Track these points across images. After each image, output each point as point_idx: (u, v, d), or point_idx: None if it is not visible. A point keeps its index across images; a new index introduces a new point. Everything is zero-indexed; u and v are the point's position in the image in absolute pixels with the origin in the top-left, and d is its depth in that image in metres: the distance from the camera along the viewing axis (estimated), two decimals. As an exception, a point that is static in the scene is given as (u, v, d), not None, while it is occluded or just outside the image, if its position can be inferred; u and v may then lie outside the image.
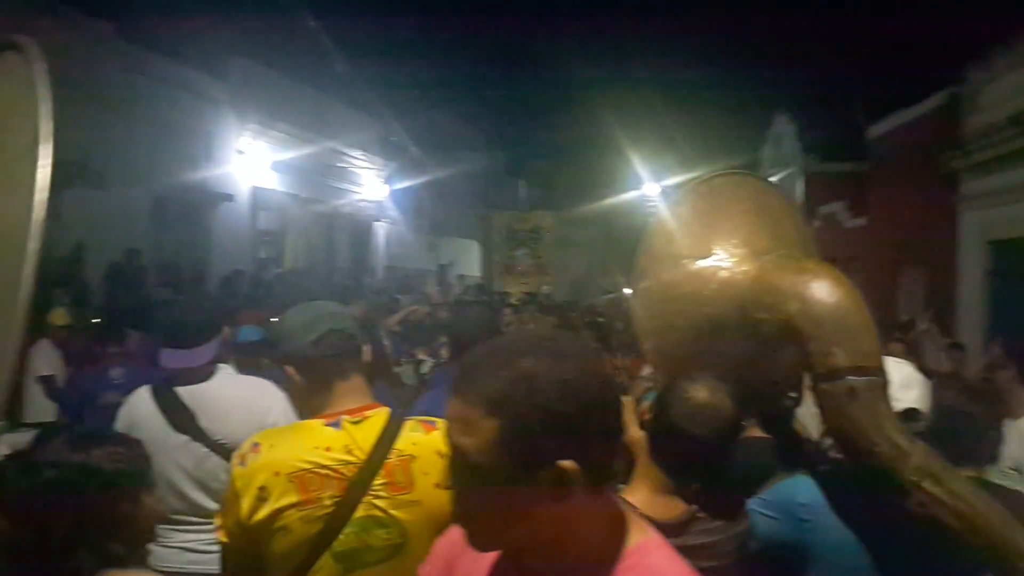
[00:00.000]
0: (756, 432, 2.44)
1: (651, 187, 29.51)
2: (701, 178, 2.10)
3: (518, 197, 27.36)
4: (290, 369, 1.97)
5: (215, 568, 1.99)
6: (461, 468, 1.08)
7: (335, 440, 1.84)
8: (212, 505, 2.75)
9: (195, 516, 2.81)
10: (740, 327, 1.94)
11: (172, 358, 2.91)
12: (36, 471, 1.53)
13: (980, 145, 10.52)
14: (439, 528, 1.84)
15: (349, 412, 1.89)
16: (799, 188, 19.73)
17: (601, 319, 7.89)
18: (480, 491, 1.07)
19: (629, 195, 30.24)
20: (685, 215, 2.05)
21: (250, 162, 14.49)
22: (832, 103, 18.55)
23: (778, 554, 1.91)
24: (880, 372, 1.75)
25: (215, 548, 1.99)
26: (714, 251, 1.98)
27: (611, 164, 29.59)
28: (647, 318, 2.02)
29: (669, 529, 1.72)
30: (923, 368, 6.39)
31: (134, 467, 1.67)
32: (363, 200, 19.02)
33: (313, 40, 15.32)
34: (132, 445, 1.75)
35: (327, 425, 1.87)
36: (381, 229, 20.64)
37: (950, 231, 11.55)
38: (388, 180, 20.12)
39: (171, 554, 2.78)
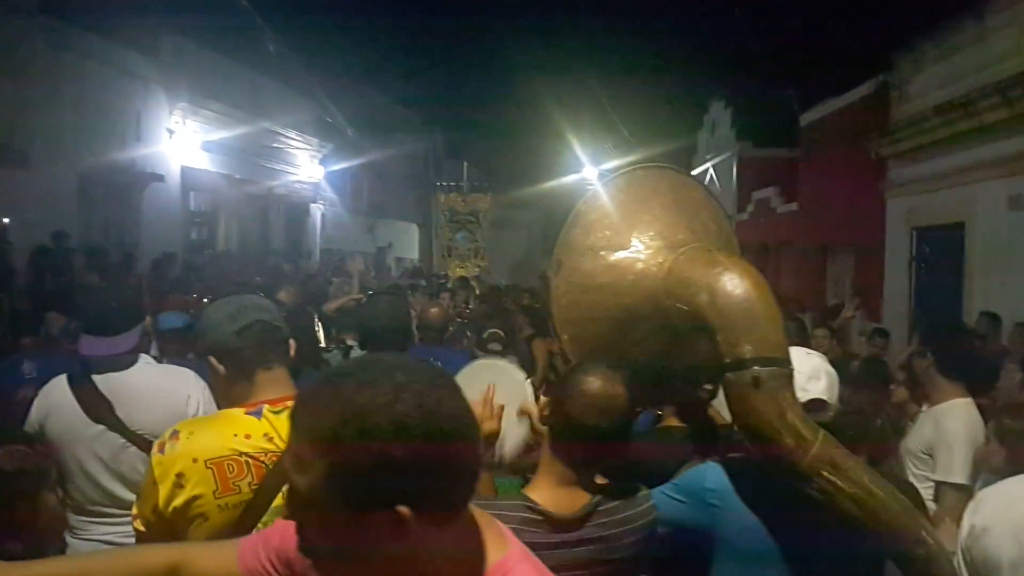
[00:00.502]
0: (673, 421, 2.50)
1: (590, 171, 29.75)
2: (620, 170, 2.13)
3: (457, 179, 27.25)
4: (213, 360, 1.95)
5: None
6: (297, 503, 1.02)
7: (255, 428, 1.84)
8: (130, 496, 2.68)
9: (114, 508, 2.77)
10: (655, 318, 1.98)
11: (92, 345, 2.86)
12: None
13: (907, 133, 10.76)
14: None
15: (271, 401, 1.89)
16: (733, 173, 20.14)
17: (537, 304, 7.94)
18: (315, 530, 1.01)
19: (568, 178, 30.44)
20: (603, 207, 2.08)
21: (181, 142, 14.11)
22: (766, 90, 18.87)
23: (686, 538, 1.97)
24: (785, 363, 1.81)
25: (132, 539, 1.98)
26: (631, 243, 2.02)
27: (551, 147, 29.68)
28: (565, 308, 2.04)
29: (569, 523, 1.76)
30: (847, 353, 6.60)
31: (34, 467, 1.64)
32: (299, 181, 18.72)
33: (246, 17, 14.93)
34: (33, 444, 1.71)
35: (248, 414, 1.87)
36: (318, 211, 20.35)
37: (878, 217, 11.84)
38: (324, 161, 19.83)
39: (90, 547, 2.72)
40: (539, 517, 1.77)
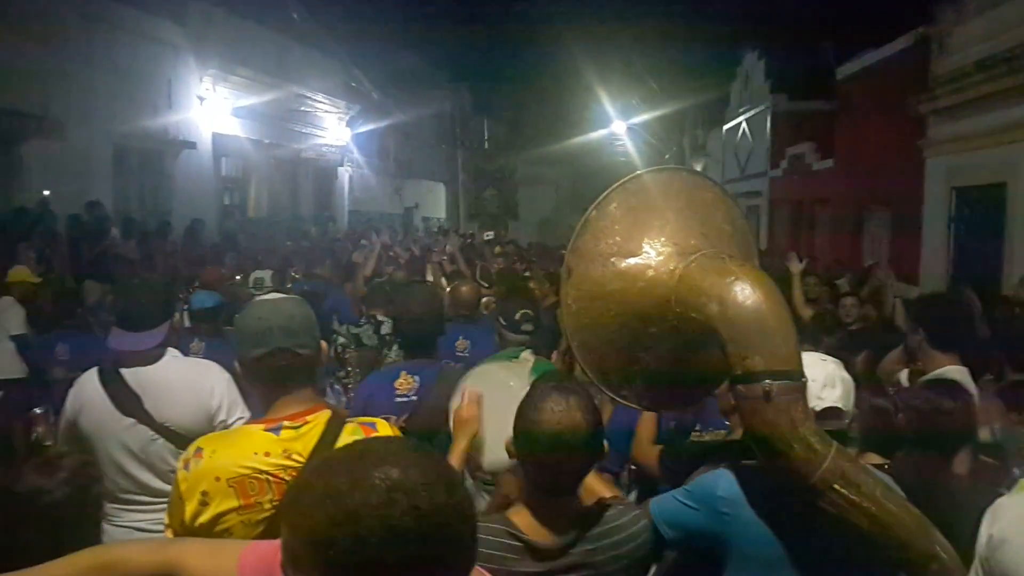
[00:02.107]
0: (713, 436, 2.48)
1: (619, 125, 29.38)
2: (631, 175, 2.10)
3: (484, 137, 27.08)
4: (239, 368, 2.01)
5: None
6: None
7: (274, 445, 1.88)
8: (160, 485, 2.81)
9: (145, 496, 2.86)
10: (666, 326, 1.97)
11: (121, 340, 2.94)
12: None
13: (948, 89, 10.41)
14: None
15: (290, 417, 1.92)
16: (767, 127, 19.71)
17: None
18: None
19: (597, 133, 30.09)
20: (614, 213, 2.06)
21: (211, 108, 14.20)
22: (802, 41, 18.33)
23: (698, 543, 1.99)
24: (797, 375, 1.79)
25: (163, 527, 2.05)
26: (642, 250, 2.00)
27: (578, 102, 29.34)
28: (575, 315, 2.04)
29: (553, 552, 1.78)
30: (882, 319, 6.42)
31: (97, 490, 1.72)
32: (326, 145, 18.76)
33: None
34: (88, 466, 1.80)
35: (267, 430, 1.91)
36: (345, 173, 20.41)
37: (917, 176, 11.54)
38: (351, 123, 19.81)
39: (122, 533, 2.82)
40: (521, 545, 1.78)
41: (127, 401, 2.82)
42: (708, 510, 1.94)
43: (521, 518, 1.82)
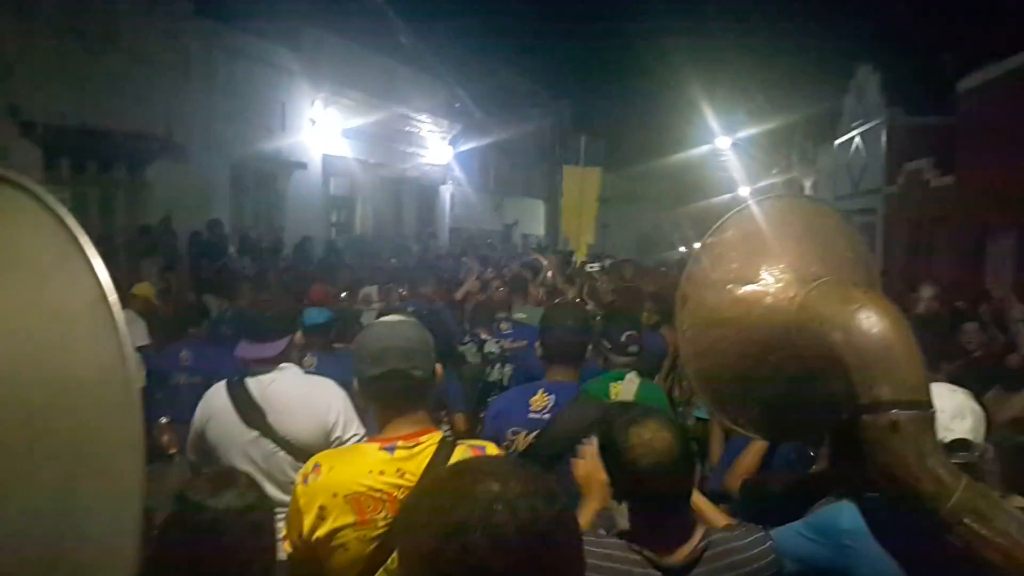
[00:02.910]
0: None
1: (723, 140, 28.85)
2: (747, 202, 2.07)
3: (585, 153, 27.05)
4: (355, 382, 2.07)
5: (283, 555, 2.09)
6: None
7: (388, 464, 1.94)
8: (280, 496, 2.90)
9: (266, 507, 2.98)
10: (785, 354, 1.93)
11: (248, 350, 3.10)
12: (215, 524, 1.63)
13: (1078, 101, 9.86)
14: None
15: (404, 438, 1.98)
16: (883, 142, 18.98)
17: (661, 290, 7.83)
18: None
19: (700, 149, 29.61)
20: (731, 239, 2.03)
21: (322, 130, 14.77)
22: (920, 53, 17.58)
23: None
24: (926, 405, 1.72)
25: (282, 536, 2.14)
26: (760, 276, 1.96)
27: (681, 117, 29.00)
28: (690, 342, 2.02)
29: (677, 570, 1.76)
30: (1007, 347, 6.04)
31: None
32: (429, 164, 19.18)
33: (379, 7, 15.37)
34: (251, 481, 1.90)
35: (382, 449, 1.97)
36: (447, 191, 20.80)
37: (1045, 193, 10.94)
38: (453, 142, 20.20)
39: (244, 542, 2.96)
40: (646, 560, 1.78)
41: (252, 414, 2.96)
42: (831, 543, 1.89)
43: (643, 540, 1.82)
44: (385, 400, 2.02)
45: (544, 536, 0.99)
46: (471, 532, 0.98)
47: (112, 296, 0.93)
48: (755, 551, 1.87)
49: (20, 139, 9.04)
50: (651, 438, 1.78)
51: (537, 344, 3.23)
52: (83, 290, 0.93)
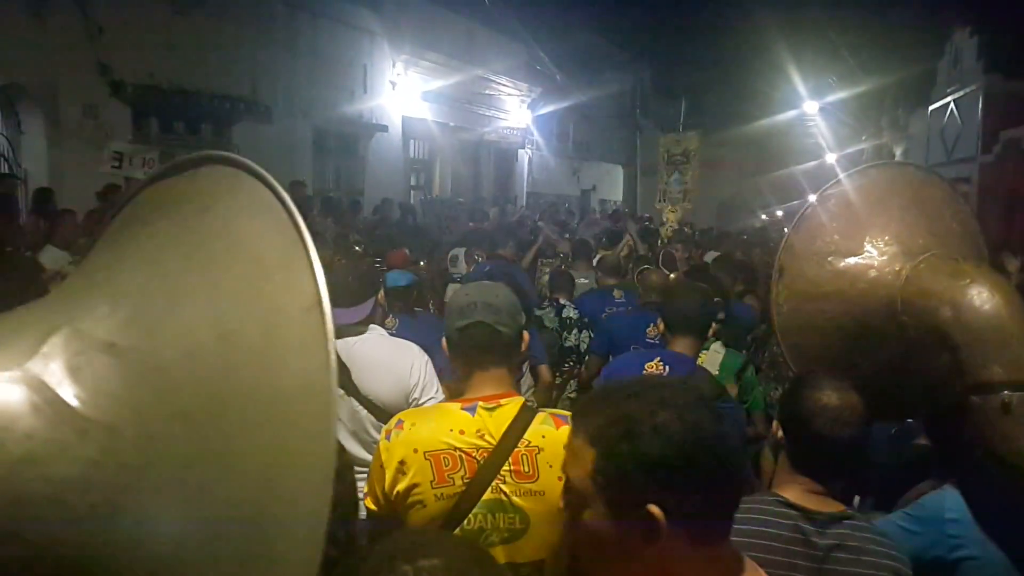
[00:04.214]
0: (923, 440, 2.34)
1: (810, 105, 27.83)
2: (852, 170, 2.00)
3: (667, 118, 26.51)
4: (444, 344, 2.10)
5: (363, 512, 2.13)
6: (568, 495, 1.18)
7: (469, 424, 1.96)
8: (363, 454, 2.99)
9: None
10: (888, 331, 1.87)
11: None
12: None
13: None
14: (559, 520, 1.95)
15: (485, 399, 1.99)
16: (979, 109, 18.07)
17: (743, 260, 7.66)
18: (582, 522, 1.15)
19: (786, 114, 28.65)
20: (832, 209, 1.97)
21: (402, 92, 14.85)
22: (1019, 17, 16.57)
23: (919, 571, 1.86)
24: (1039, 386, 1.66)
25: (363, 494, 2.17)
26: (863, 249, 1.90)
27: (767, 81, 28.05)
28: (786, 316, 1.97)
29: (824, 519, 1.71)
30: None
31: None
32: (508, 127, 19.09)
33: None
34: None
35: (463, 409, 1.99)
36: (525, 156, 20.70)
37: None
38: (532, 105, 20.04)
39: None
40: (797, 513, 1.72)
41: (340, 374, 3.04)
42: (934, 534, 1.84)
43: (791, 493, 1.77)
44: (468, 354, 2.03)
45: (706, 443, 1.08)
46: (637, 423, 1.09)
47: (326, 303, 0.88)
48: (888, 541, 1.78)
49: (110, 98, 9.39)
50: (840, 392, 1.73)
51: (659, 321, 3.23)
52: (301, 294, 0.89)
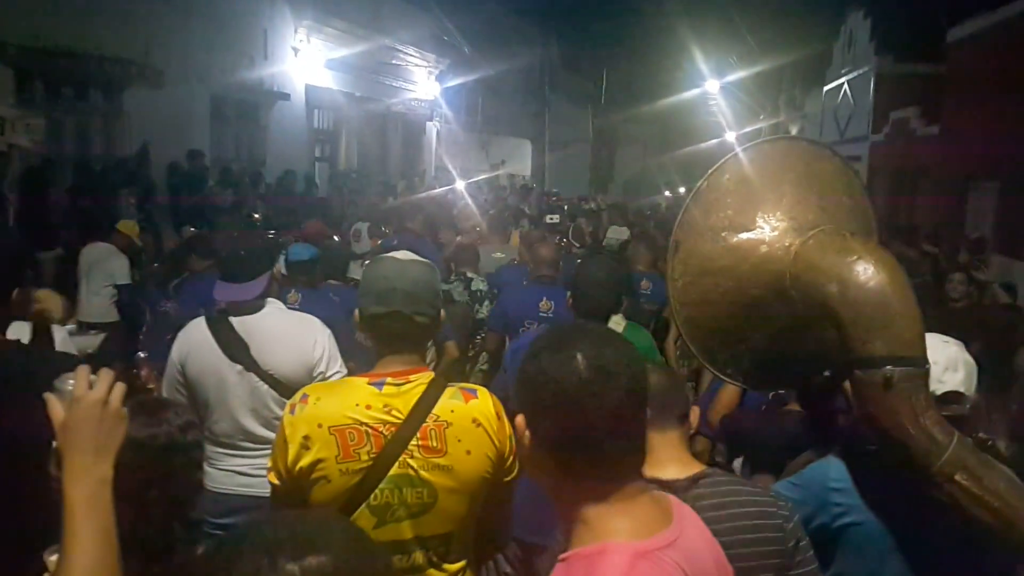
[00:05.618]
0: (794, 407, 2.42)
1: (712, 84, 28.51)
2: (745, 145, 2.01)
3: (573, 93, 26.68)
4: (356, 317, 2.05)
5: (263, 491, 2.10)
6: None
7: (376, 399, 1.92)
8: (262, 432, 2.92)
9: (247, 442, 2.96)
10: (778, 305, 1.90)
11: (225, 291, 3.03)
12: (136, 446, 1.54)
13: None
14: (467, 493, 1.93)
15: (394, 375, 1.96)
16: (871, 90, 18.87)
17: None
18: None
19: (689, 93, 29.27)
20: (726, 184, 1.97)
21: (305, 60, 14.40)
22: (912, 1, 17.35)
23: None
24: (921, 362, 1.70)
25: (263, 472, 2.13)
26: (755, 224, 1.92)
27: (671, 60, 28.60)
28: (681, 291, 1.98)
29: (677, 486, 1.71)
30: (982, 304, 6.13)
31: (198, 435, 1.76)
32: (416, 99, 18.82)
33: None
34: (186, 410, 1.84)
35: (370, 384, 1.95)
36: (433, 129, 20.47)
37: (1028, 147, 10.92)
38: (440, 78, 19.80)
39: (224, 476, 2.95)
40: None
41: (234, 348, 2.91)
42: (818, 501, 1.88)
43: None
44: (383, 339, 2.00)
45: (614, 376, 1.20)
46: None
47: None
48: (770, 499, 1.81)
49: (-11, 60, 8.74)
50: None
51: (568, 296, 3.19)
52: None
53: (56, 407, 1.35)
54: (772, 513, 1.74)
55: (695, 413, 1.87)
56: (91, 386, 1.35)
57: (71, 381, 1.36)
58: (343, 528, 1.09)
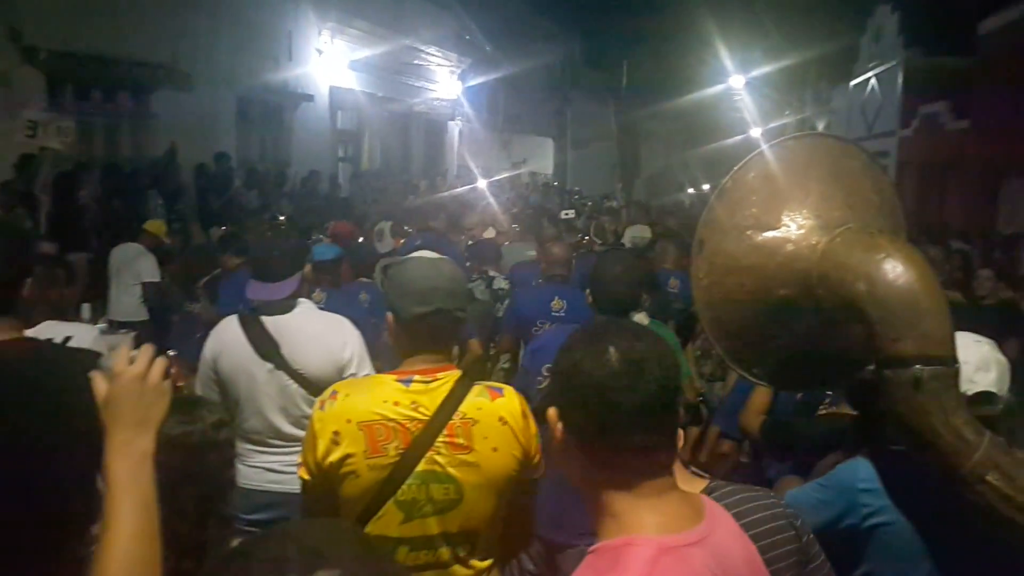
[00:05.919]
0: (844, 409, 2.38)
1: (737, 79, 28.24)
2: (771, 143, 2.00)
3: (595, 91, 26.56)
4: (390, 317, 2.06)
5: (293, 487, 2.13)
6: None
7: (403, 396, 1.95)
8: (291, 430, 2.94)
9: (276, 439, 2.99)
10: (805, 304, 1.88)
11: (258, 290, 3.06)
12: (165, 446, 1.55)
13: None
14: (493, 490, 1.94)
15: (422, 372, 1.98)
16: (899, 83, 18.62)
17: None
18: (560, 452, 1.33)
19: (713, 88, 29.01)
20: (751, 183, 1.96)
21: (329, 61, 14.49)
22: (941, -8, 17.09)
23: (834, 537, 1.89)
24: (951, 361, 1.67)
25: (293, 469, 2.15)
26: (781, 222, 1.90)
27: (695, 56, 28.32)
28: (706, 290, 1.96)
29: None
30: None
31: (231, 433, 1.79)
32: (438, 99, 18.87)
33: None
34: (218, 408, 1.87)
35: (399, 381, 1.98)
36: (455, 128, 20.51)
37: (1061, 139, 10.74)
38: (462, 76, 19.83)
39: (254, 473, 2.97)
40: None
41: (266, 346, 2.94)
42: (846, 503, 1.86)
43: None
44: (423, 338, 2.02)
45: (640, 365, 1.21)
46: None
47: None
48: (769, 500, 1.83)
49: (22, 65, 8.88)
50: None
51: (587, 292, 3.18)
52: None
53: (100, 384, 1.37)
54: (781, 513, 1.74)
55: (681, 438, 1.85)
56: (131, 362, 1.37)
57: (113, 358, 1.39)
58: (353, 539, 1.06)
